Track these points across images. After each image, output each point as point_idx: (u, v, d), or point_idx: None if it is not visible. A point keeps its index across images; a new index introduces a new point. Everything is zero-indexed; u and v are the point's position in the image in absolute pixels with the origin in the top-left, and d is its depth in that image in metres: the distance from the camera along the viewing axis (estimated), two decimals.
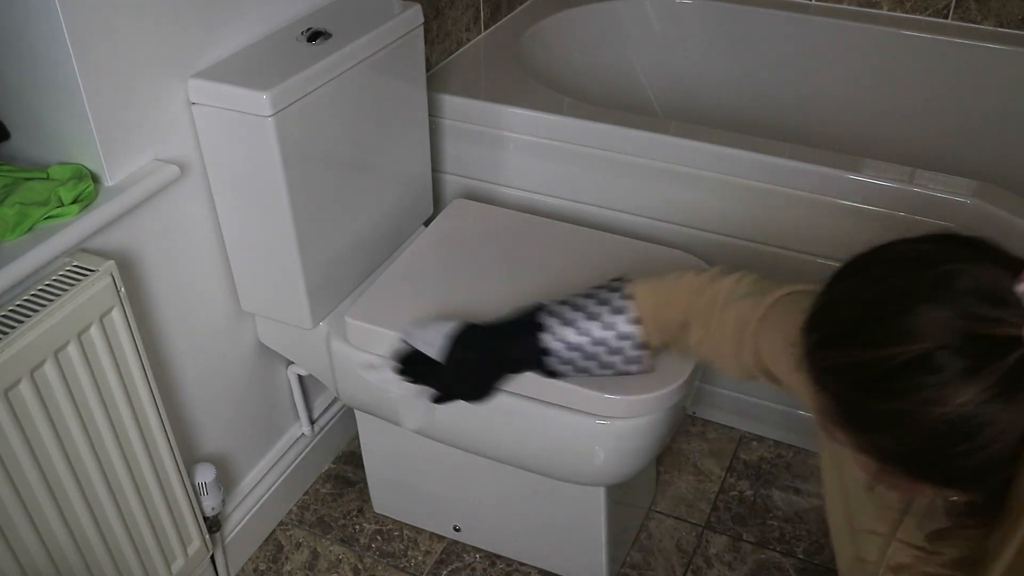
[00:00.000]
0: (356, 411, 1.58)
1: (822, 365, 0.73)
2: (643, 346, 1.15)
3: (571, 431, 1.28)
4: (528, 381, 1.26)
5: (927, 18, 2.00)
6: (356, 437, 1.68)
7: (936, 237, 0.72)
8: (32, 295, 1.07)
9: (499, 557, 1.64)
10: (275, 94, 1.21)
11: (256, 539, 1.66)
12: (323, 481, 1.79)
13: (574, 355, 1.16)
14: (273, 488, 1.66)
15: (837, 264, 0.77)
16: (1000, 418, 0.65)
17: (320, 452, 1.79)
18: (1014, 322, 0.64)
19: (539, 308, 1.19)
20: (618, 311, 1.13)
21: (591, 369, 1.18)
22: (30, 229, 1.09)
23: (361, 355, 1.37)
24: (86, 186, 1.12)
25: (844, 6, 2.06)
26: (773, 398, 1.77)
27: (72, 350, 1.09)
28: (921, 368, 0.66)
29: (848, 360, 0.70)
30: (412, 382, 1.25)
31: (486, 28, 1.98)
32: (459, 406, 1.25)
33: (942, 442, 0.67)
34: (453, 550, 1.66)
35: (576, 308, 1.16)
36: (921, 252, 0.71)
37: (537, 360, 1.18)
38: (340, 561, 1.65)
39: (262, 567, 1.64)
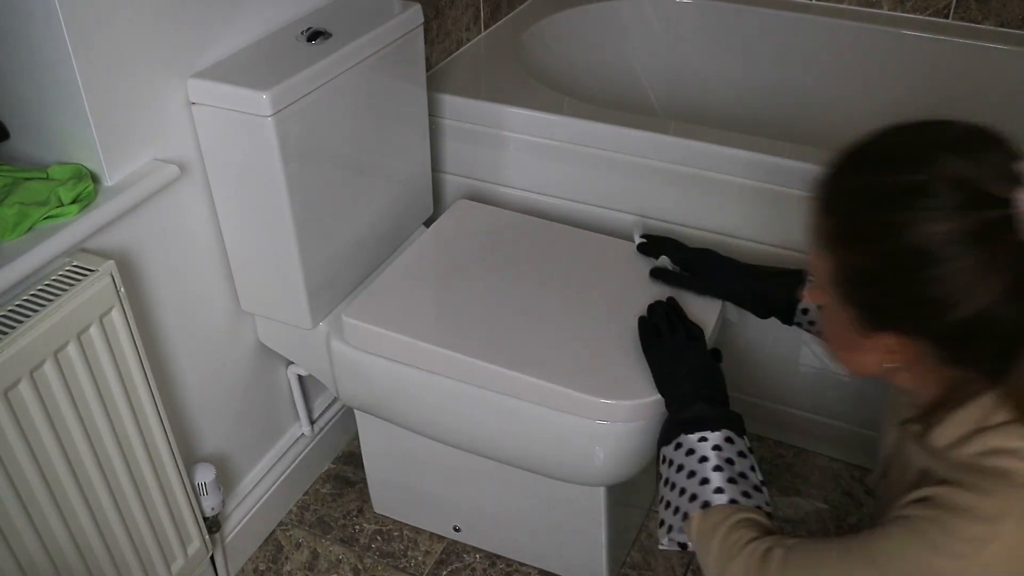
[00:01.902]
0: (356, 411, 1.58)
1: (841, 186, 0.85)
2: None
3: (571, 432, 1.28)
4: (527, 382, 1.26)
5: (927, 18, 2.00)
6: (356, 437, 1.68)
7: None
8: (32, 295, 1.06)
9: (499, 557, 1.64)
10: (275, 94, 1.20)
11: (256, 539, 1.66)
12: (323, 481, 1.79)
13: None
14: (273, 488, 1.66)
15: None
16: (959, 262, 0.76)
17: (320, 452, 1.78)
18: (1008, 188, 0.75)
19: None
20: None
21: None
22: (30, 229, 1.09)
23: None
24: (86, 186, 1.12)
25: (844, 6, 2.06)
26: (773, 398, 1.77)
27: (72, 350, 1.09)
28: (920, 193, 0.77)
29: (865, 180, 0.83)
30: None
31: (486, 28, 1.98)
32: (460, 408, 1.24)
33: (905, 262, 0.79)
34: (453, 550, 1.66)
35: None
36: (950, 123, 0.82)
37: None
38: (340, 561, 1.65)
39: (262, 567, 1.64)
